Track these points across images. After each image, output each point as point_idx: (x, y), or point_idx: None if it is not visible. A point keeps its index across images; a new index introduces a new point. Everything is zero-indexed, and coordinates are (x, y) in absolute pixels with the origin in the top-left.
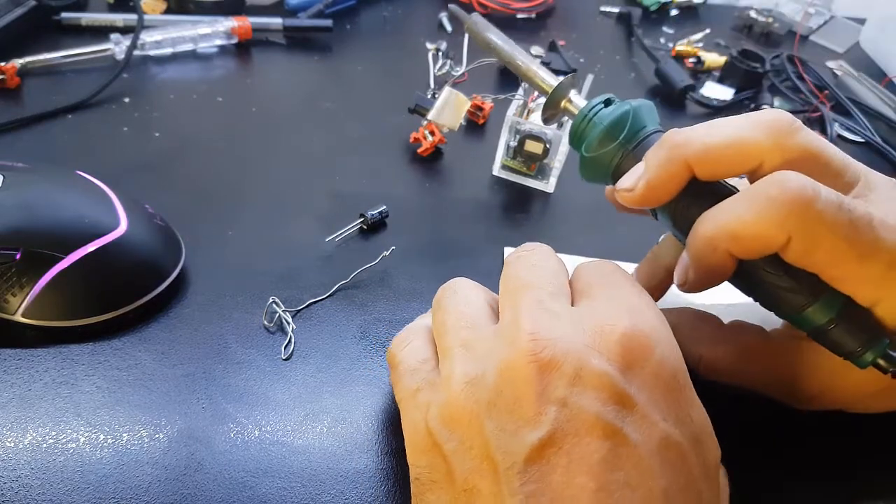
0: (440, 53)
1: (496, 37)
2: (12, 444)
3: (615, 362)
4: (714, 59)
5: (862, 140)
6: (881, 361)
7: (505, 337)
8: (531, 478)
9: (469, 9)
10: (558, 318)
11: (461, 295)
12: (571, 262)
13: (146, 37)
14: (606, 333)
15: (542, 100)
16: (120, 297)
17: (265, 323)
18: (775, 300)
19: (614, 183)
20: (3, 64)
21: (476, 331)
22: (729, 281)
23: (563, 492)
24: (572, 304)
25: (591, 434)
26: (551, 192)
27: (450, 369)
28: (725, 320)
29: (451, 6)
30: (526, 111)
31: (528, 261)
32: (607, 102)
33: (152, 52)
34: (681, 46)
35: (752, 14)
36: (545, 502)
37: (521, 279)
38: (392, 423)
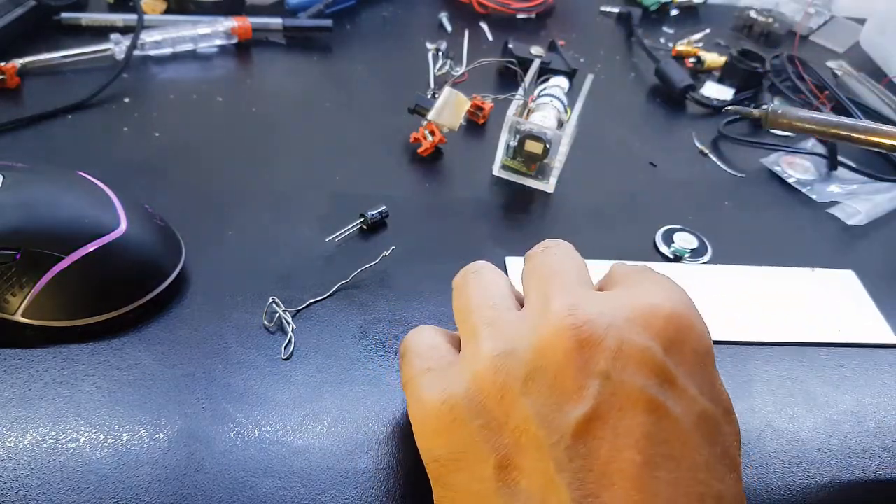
0: (440, 53)
1: (806, 114)
2: (12, 444)
3: (658, 339)
4: (714, 59)
5: None
6: None
7: (538, 316)
8: (579, 453)
9: (469, 9)
10: (595, 297)
11: (485, 278)
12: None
13: (146, 37)
14: (649, 313)
15: (542, 100)
16: (120, 297)
17: (265, 323)
18: None
19: None
20: (3, 64)
21: (502, 312)
22: None
23: (610, 465)
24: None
25: (635, 408)
26: (551, 192)
27: (476, 346)
28: None
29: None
30: (526, 111)
31: (553, 253)
32: None
33: (152, 52)
34: (681, 46)
35: (752, 14)
36: (594, 477)
37: (549, 267)
38: (392, 423)
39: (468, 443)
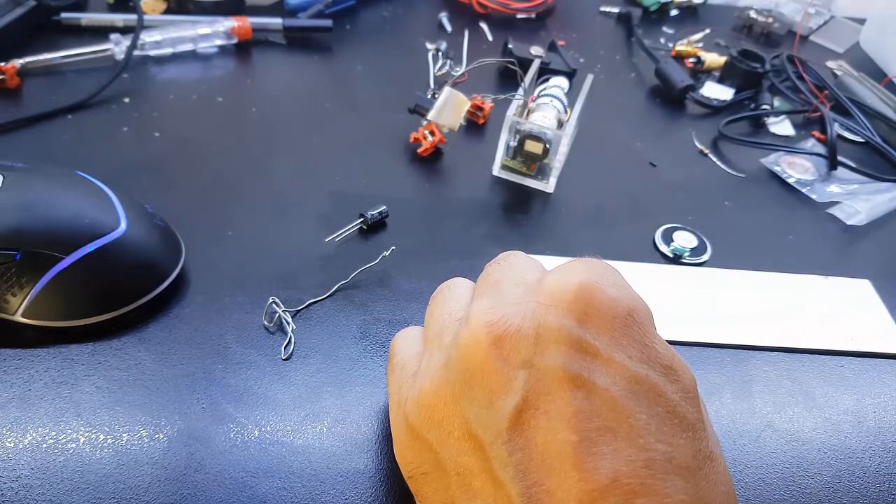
0: (440, 53)
1: None
2: (12, 444)
3: (571, 314)
4: (714, 59)
5: (862, 140)
6: None
7: (462, 323)
8: (517, 445)
9: (469, 9)
10: (513, 292)
11: (454, 291)
12: (553, 263)
13: (146, 37)
14: (560, 291)
15: (542, 100)
16: (120, 297)
17: (265, 323)
18: None
19: None
20: (3, 64)
21: (450, 323)
22: None
23: (548, 451)
24: None
25: (561, 388)
26: (551, 192)
27: (427, 360)
28: None
29: None
30: (526, 111)
31: (499, 265)
32: None
33: (152, 52)
34: (681, 46)
35: (752, 14)
36: (535, 466)
37: (491, 277)
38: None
39: (429, 457)
